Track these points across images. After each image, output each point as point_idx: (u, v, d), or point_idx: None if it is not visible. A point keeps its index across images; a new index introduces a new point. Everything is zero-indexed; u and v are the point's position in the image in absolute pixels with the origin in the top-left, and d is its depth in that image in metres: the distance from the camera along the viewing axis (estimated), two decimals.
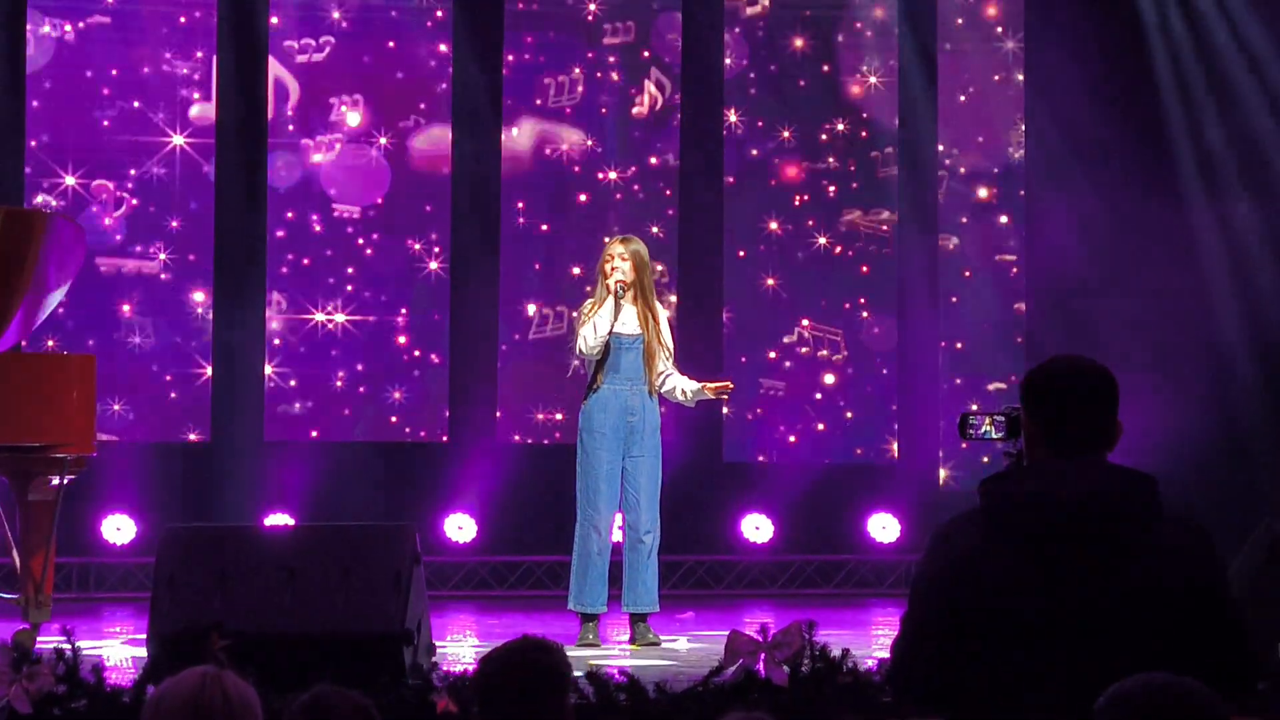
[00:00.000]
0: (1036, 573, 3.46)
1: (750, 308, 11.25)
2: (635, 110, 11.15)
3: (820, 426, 11.25)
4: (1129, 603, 3.43)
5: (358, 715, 3.17)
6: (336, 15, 10.87)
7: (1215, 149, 11.22)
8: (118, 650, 7.60)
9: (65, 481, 7.47)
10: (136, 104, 10.63)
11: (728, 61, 11.27)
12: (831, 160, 11.34)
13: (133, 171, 10.64)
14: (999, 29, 11.47)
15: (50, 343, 10.28)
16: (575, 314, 8.20)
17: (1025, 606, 3.45)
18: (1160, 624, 3.43)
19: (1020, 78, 11.44)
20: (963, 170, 11.46)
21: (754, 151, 11.29)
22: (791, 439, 11.23)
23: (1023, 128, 11.43)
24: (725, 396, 8.31)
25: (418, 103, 10.92)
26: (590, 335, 7.97)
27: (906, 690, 3.68)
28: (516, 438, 10.97)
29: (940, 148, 11.42)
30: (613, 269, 7.98)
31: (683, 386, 8.14)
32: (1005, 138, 11.47)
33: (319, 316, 10.80)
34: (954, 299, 11.41)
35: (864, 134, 11.37)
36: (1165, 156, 11.26)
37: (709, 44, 11.24)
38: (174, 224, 10.66)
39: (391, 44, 10.93)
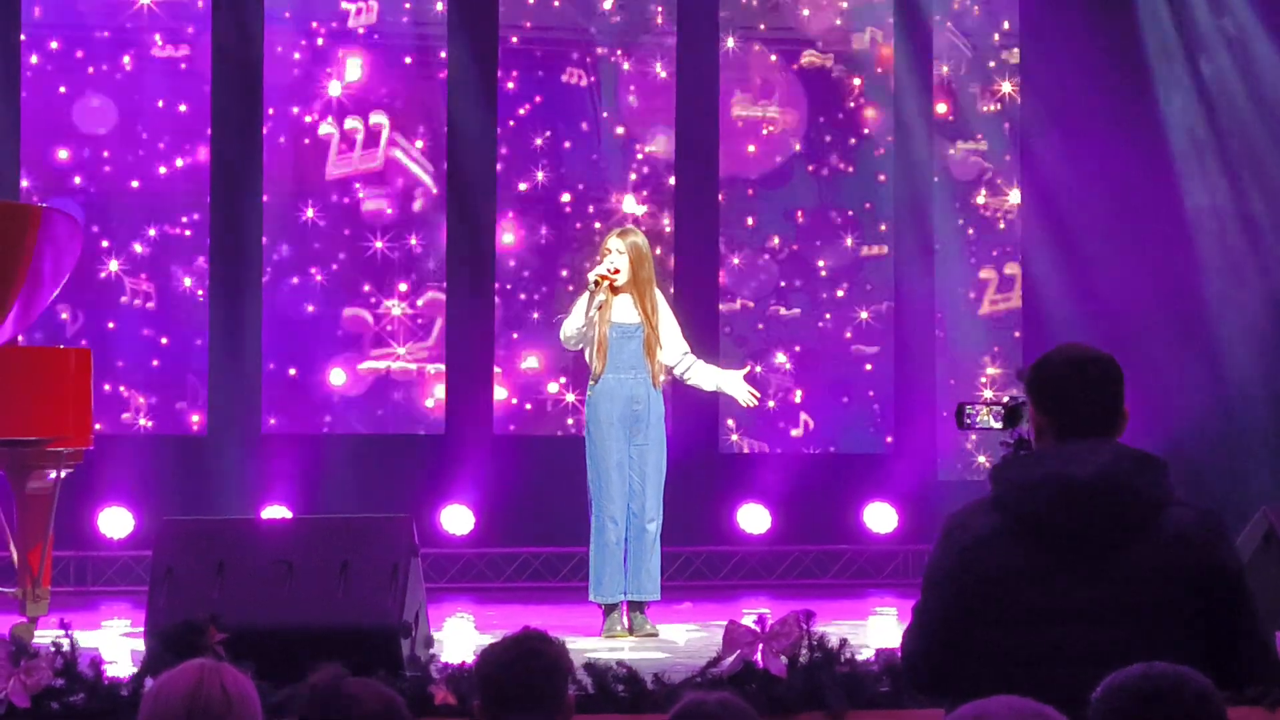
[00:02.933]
0: (1047, 557, 3.47)
1: (747, 296, 11.25)
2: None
3: (817, 416, 11.25)
4: (1140, 586, 3.43)
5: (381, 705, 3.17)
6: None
7: (1211, 124, 11.24)
8: (116, 644, 7.60)
9: (62, 475, 7.47)
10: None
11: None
12: (829, 145, 11.36)
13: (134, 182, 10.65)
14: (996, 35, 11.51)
15: (64, 315, 10.28)
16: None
17: (1036, 592, 3.46)
18: (1172, 607, 3.43)
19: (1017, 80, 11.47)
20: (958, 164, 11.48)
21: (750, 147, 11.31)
22: (788, 429, 11.23)
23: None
24: (752, 403, 8.38)
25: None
26: (568, 325, 8.00)
27: (919, 679, 3.69)
28: (513, 429, 10.97)
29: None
30: (610, 264, 7.98)
31: (702, 380, 8.20)
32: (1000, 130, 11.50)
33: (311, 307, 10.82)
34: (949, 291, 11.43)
35: (864, 133, 11.37)
36: (1160, 134, 11.28)
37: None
38: (171, 214, 10.67)
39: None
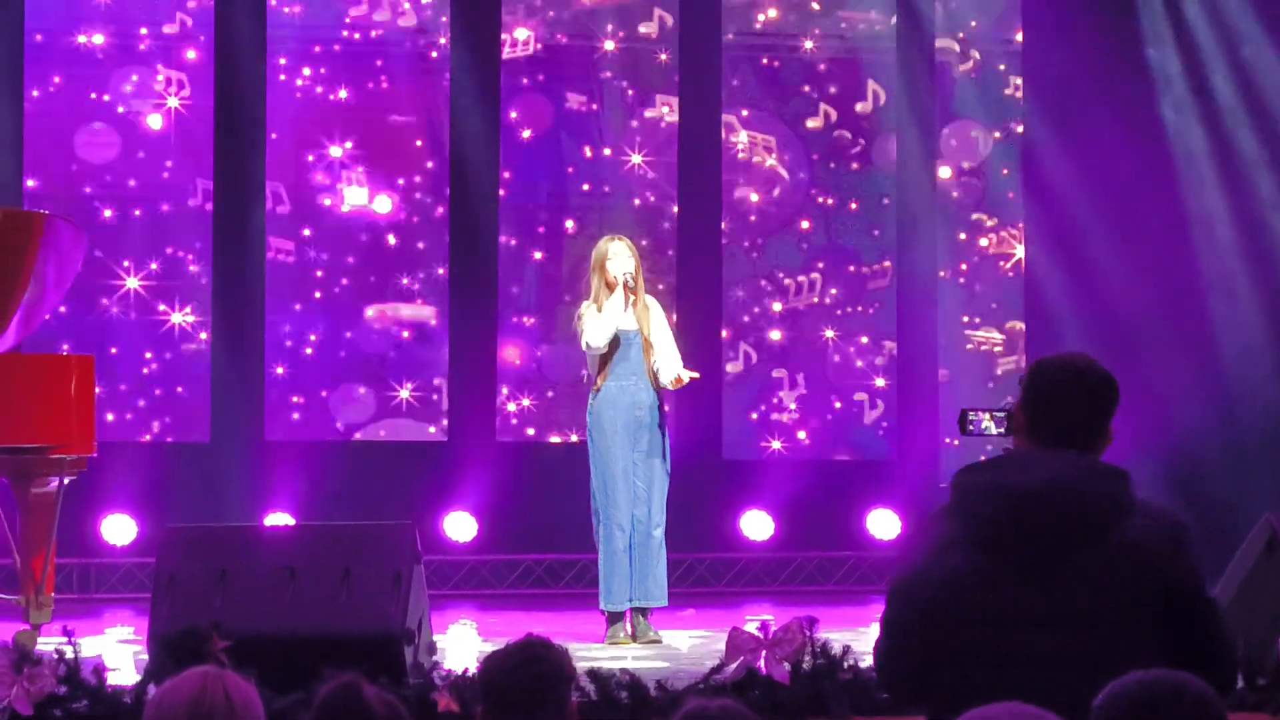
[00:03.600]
0: (1001, 564, 3.47)
1: (749, 302, 11.25)
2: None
3: (819, 422, 11.26)
4: (1093, 594, 3.43)
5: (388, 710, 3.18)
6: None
7: (1220, 137, 11.27)
8: (119, 651, 7.60)
9: (65, 482, 7.47)
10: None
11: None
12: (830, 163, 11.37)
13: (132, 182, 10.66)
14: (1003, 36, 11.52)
15: (65, 347, 10.28)
16: (576, 314, 8.19)
17: (992, 598, 3.46)
18: (1127, 616, 3.43)
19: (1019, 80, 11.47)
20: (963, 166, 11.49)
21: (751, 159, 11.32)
22: (792, 435, 11.23)
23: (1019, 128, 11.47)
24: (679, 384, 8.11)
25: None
26: (598, 333, 7.95)
27: (889, 686, 3.70)
28: (516, 436, 10.98)
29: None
30: (619, 266, 7.98)
31: (660, 371, 8.10)
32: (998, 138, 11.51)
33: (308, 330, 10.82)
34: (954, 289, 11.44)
35: (861, 146, 11.38)
36: (1164, 151, 11.31)
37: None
38: (172, 220, 10.69)
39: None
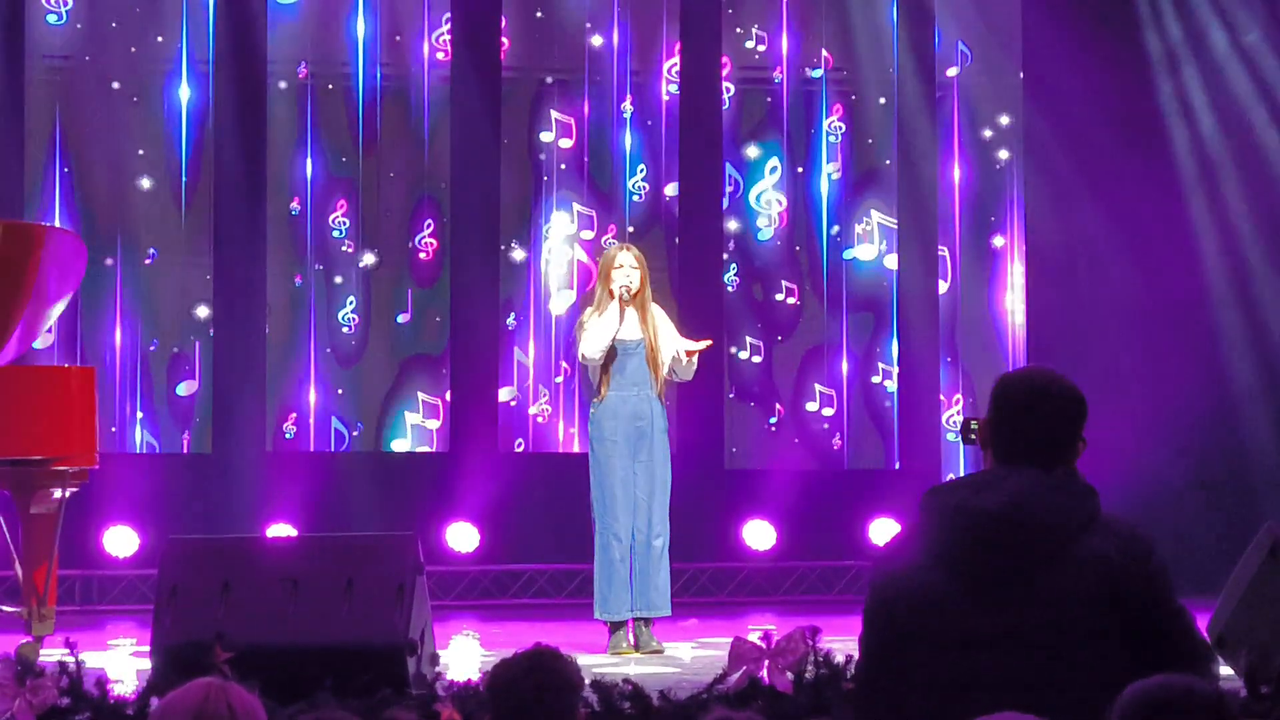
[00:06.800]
0: (964, 585, 3.47)
1: (749, 310, 11.26)
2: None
3: (822, 432, 11.25)
4: (1055, 611, 3.42)
5: None
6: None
7: (1213, 153, 11.29)
8: (121, 662, 7.60)
9: (67, 494, 7.47)
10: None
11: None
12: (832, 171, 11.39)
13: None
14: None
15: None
16: (578, 322, 8.20)
17: (955, 619, 3.45)
18: (1090, 632, 3.42)
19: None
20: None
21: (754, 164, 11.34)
22: (794, 445, 11.22)
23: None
24: (695, 352, 8.06)
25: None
26: (592, 344, 7.96)
27: (861, 707, 3.68)
28: (519, 446, 10.97)
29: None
30: (622, 276, 7.97)
31: (674, 362, 8.06)
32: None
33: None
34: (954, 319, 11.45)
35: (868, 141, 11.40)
36: (1164, 161, 11.33)
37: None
38: (175, 227, 10.71)
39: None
